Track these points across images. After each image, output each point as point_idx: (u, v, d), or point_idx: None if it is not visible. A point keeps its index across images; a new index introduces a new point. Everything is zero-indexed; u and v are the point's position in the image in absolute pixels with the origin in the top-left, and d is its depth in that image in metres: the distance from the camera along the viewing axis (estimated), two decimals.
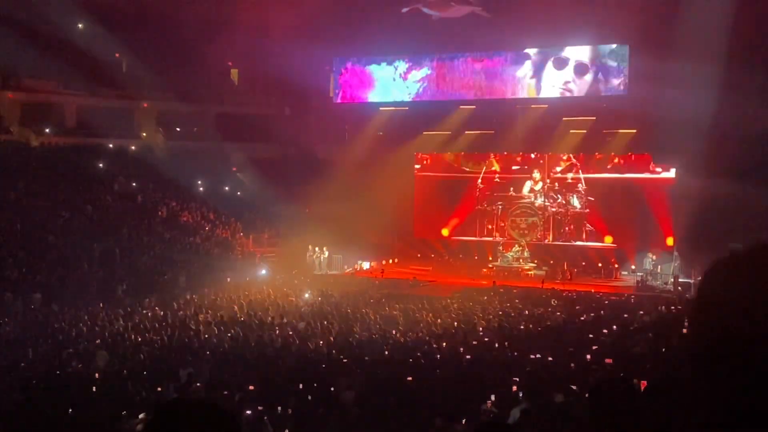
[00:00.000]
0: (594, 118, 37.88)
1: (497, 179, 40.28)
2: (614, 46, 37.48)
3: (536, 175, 39.39)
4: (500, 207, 39.96)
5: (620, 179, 37.64)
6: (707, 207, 30.67)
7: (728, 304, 1.39)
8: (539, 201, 39.43)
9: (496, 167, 40.59)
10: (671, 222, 35.61)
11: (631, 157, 37.68)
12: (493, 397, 12.09)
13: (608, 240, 37.83)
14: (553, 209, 39.19)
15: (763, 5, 33.05)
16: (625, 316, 23.84)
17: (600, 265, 36.66)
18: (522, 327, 21.90)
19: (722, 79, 30.65)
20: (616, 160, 38.05)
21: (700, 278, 1.49)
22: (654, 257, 34.63)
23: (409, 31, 38.82)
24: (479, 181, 40.74)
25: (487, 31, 38.29)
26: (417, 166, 42.41)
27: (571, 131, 38.71)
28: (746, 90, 30.82)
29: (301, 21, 38.41)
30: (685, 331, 18.19)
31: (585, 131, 38.37)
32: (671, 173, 36.20)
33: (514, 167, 40.26)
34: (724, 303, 1.40)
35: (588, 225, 38.63)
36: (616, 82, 37.47)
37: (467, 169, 41.46)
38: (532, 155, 39.67)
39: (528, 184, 39.75)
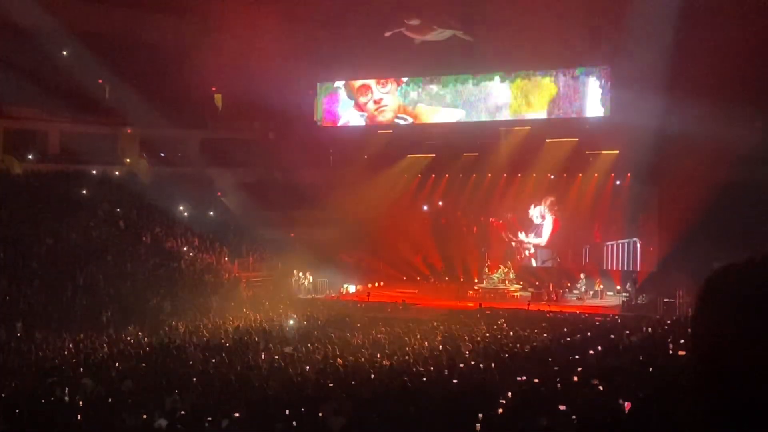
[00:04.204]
0: (577, 139, 38.10)
1: None
2: (596, 68, 37.69)
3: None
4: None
5: None
6: (691, 226, 30.85)
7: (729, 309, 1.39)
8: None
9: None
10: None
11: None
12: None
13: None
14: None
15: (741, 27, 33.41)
16: (612, 336, 23.85)
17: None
18: (507, 350, 21.86)
19: (704, 100, 30.88)
20: None
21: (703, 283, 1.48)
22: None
23: (392, 55, 39.00)
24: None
25: (470, 54, 38.54)
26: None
27: (554, 153, 38.89)
28: (728, 110, 31.06)
29: (284, 46, 38.54)
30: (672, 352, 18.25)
31: (568, 153, 38.57)
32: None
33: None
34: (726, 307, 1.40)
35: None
36: (598, 103, 37.63)
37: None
38: None
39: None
